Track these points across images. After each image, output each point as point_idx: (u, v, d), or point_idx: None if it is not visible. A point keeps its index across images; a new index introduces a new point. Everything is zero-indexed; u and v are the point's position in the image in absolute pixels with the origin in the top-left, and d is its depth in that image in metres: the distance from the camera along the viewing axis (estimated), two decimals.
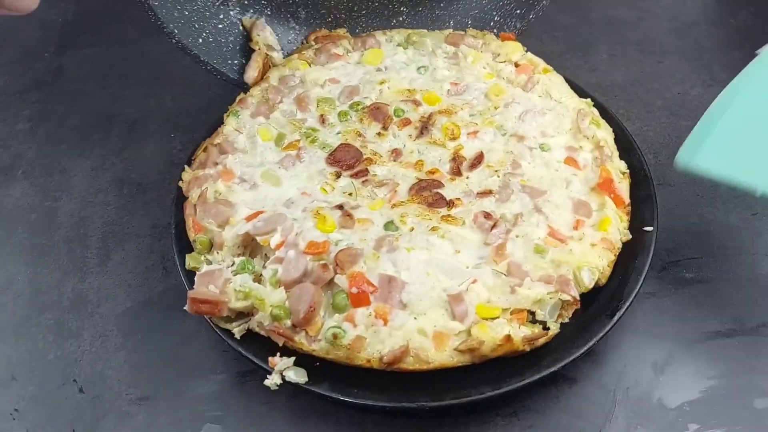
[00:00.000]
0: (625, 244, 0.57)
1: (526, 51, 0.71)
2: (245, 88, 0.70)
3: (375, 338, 0.50)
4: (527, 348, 0.50)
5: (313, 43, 0.74)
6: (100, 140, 0.78)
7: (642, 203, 0.60)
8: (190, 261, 0.56)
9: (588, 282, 0.53)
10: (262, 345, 0.53)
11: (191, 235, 0.58)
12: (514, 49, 0.70)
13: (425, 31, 0.74)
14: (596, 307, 0.54)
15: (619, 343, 0.58)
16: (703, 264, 0.63)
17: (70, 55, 0.88)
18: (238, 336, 0.53)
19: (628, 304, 0.53)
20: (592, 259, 0.54)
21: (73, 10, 0.95)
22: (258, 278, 0.54)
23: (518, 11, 0.77)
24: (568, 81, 0.70)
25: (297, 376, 0.50)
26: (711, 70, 0.81)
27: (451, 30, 0.75)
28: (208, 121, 0.74)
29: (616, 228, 0.57)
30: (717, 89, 0.78)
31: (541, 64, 0.70)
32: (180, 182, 0.63)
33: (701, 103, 0.77)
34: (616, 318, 0.52)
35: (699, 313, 0.59)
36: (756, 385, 0.55)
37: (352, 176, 0.60)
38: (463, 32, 0.73)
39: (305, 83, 0.69)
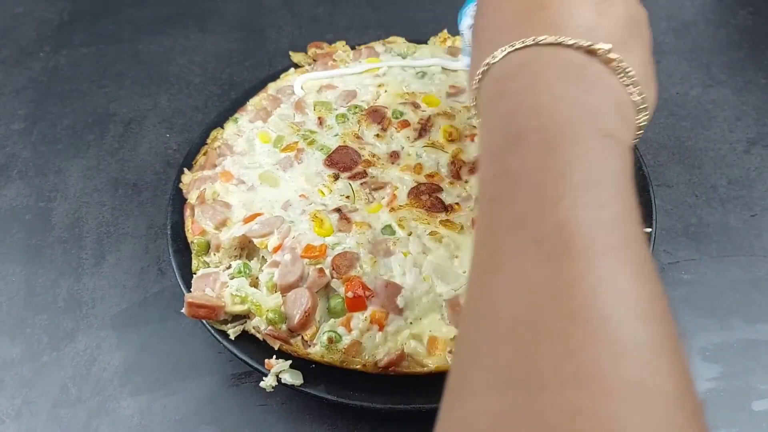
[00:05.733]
0: None
1: None
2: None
3: (370, 343, 0.50)
4: None
5: (311, 57, 0.74)
6: (96, 140, 0.77)
7: (640, 204, 0.59)
8: (199, 265, 0.57)
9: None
10: (257, 347, 0.53)
11: (190, 237, 0.58)
12: None
13: (425, 44, 0.74)
14: None
15: None
16: (701, 265, 0.63)
17: (66, 54, 0.88)
18: (232, 337, 0.53)
19: None
20: None
21: (69, 9, 0.94)
22: (255, 281, 0.54)
23: None
24: None
25: (293, 378, 0.50)
26: (710, 70, 0.81)
27: (448, 35, 0.75)
28: (204, 120, 0.74)
29: None
30: (716, 89, 0.79)
31: None
32: (180, 184, 0.63)
33: (700, 104, 0.77)
34: None
35: (697, 314, 0.59)
36: (754, 388, 0.55)
37: (350, 178, 0.60)
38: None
39: (302, 89, 0.69)
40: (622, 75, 0.35)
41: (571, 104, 0.33)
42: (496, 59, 0.36)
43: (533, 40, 0.35)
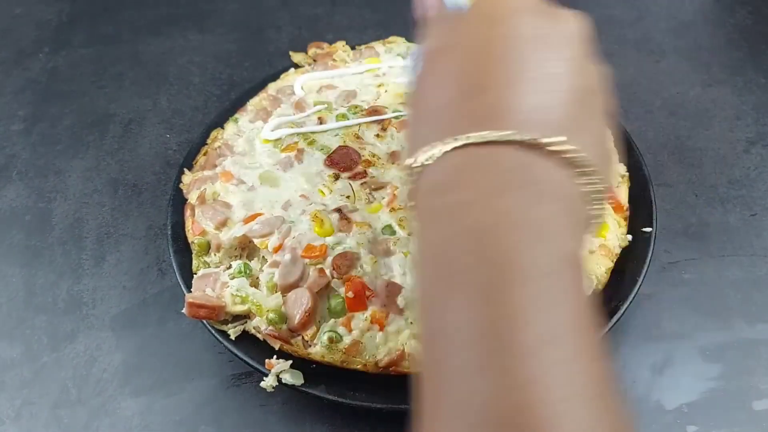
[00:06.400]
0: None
1: None
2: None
3: (371, 343, 0.50)
4: None
5: (311, 57, 0.74)
6: (95, 141, 0.77)
7: (641, 204, 0.60)
8: (200, 265, 0.57)
9: (586, 290, 0.53)
10: (258, 347, 0.53)
11: (190, 237, 0.58)
12: None
13: None
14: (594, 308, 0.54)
15: (617, 345, 0.57)
16: (701, 265, 0.63)
17: (65, 55, 0.88)
18: (233, 337, 0.53)
19: (626, 305, 0.53)
20: (590, 267, 0.54)
21: (68, 10, 0.94)
22: (255, 281, 0.54)
23: None
24: None
25: (293, 378, 0.50)
26: (710, 70, 0.81)
27: None
28: (204, 121, 0.74)
29: (615, 234, 0.57)
30: (716, 89, 0.79)
31: None
32: (180, 184, 0.63)
33: (700, 103, 0.77)
34: (614, 319, 0.52)
35: (698, 314, 0.59)
36: (754, 387, 0.55)
37: (350, 178, 0.60)
38: None
39: (302, 90, 0.69)
40: (573, 166, 0.30)
41: (513, 226, 0.28)
42: (431, 160, 0.31)
43: (467, 138, 0.30)
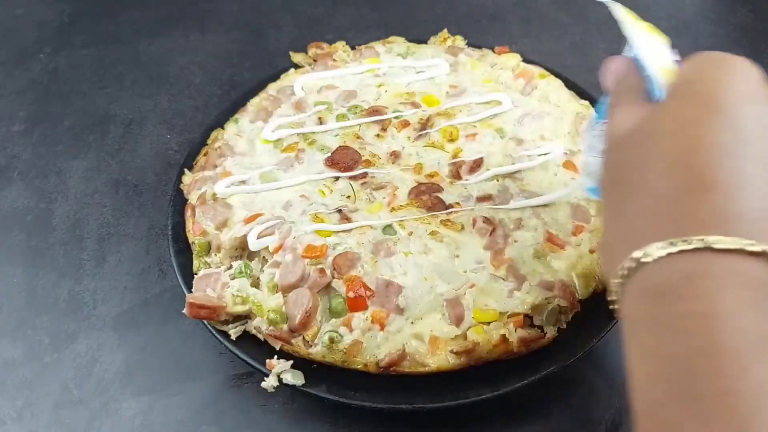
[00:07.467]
0: None
1: (522, 61, 0.71)
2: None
3: (371, 343, 0.50)
4: (523, 350, 0.50)
5: (311, 57, 0.74)
6: (96, 141, 0.77)
7: None
8: (200, 265, 0.57)
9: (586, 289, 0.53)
10: (258, 347, 0.53)
11: (191, 238, 0.58)
12: (511, 59, 0.70)
13: (425, 44, 0.75)
14: (595, 307, 0.54)
15: (619, 344, 0.57)
16: None
17: (66, 55, 0.88)
18: (233, 337, 0.53)
19: None
20: (590, 265, 0.54)
21: (69, 10, 0.95)
22: (256, 281, 0.54)
23: None
24: (567, 81, 0.70)
25: (294, 378, 0.50)
26: None
27: (448, 35, 0.75)
28: (205, 121, 0.74)
29: None
30: None
31: (537, 70, 0.70)
32: (181, 185, 0.63)
33: None
34: (615, 319, 0.52)
35: None
36: None
37: (350, 178, 0.60)
38: (462, 46, 0.73)
39: (302, 90, 0.69)
40: None
41: (763, 351, 0.25)
42: (650, 258, 0.28)
43: (702, 241, 0.27)
